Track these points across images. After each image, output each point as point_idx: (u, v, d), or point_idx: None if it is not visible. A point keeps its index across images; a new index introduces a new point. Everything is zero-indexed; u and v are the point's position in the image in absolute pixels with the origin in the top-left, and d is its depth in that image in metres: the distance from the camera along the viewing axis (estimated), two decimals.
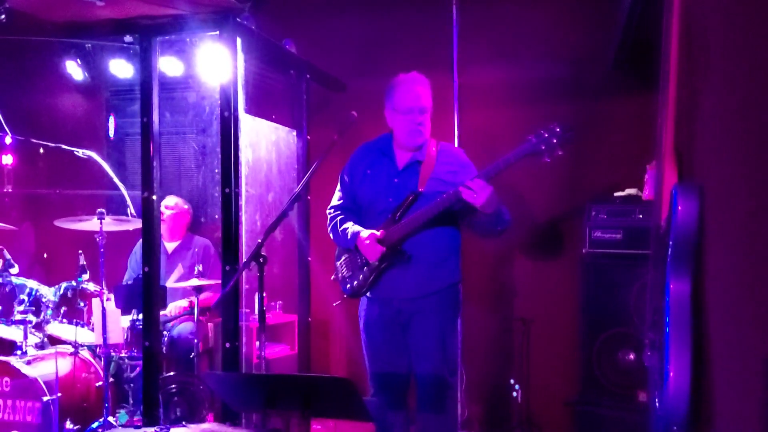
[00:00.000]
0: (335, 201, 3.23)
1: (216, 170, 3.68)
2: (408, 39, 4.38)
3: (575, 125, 2.75)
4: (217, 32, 3.55)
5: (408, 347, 3.05)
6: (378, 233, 2.99)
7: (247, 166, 3.61)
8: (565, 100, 4.11)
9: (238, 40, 3.53)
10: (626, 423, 3.25)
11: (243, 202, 3.54)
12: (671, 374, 1.57)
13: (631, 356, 3.36)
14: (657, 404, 1.75)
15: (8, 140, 4.43)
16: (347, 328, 4.25)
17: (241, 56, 3.53)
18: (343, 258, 3.13)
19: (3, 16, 3.45)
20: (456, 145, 3.87)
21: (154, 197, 3.67)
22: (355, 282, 3.06)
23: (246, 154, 3.61)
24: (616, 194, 3.64)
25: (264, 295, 2.61)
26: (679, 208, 1.69)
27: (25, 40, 4.10)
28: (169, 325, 4.17)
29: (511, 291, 4.31)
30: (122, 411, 3.82)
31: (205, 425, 1.30)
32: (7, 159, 4.48)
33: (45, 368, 3.54)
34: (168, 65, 4.19)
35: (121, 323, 3.86)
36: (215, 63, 3.65)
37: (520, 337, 4.05)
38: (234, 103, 3.49)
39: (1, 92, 4.21)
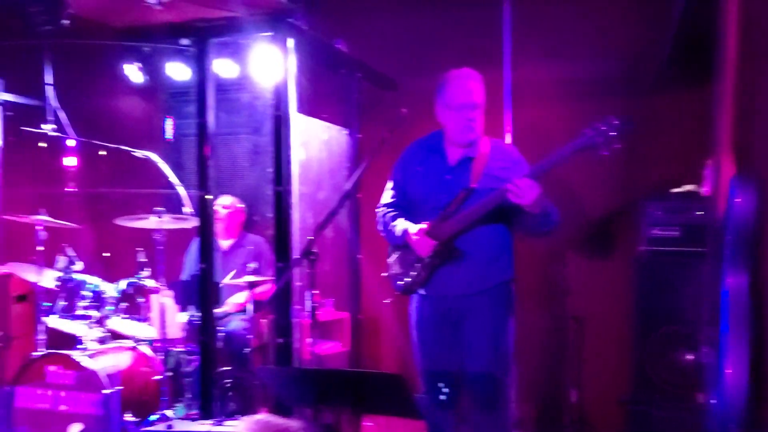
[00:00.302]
0: (386, 198, 3.24)
1: (269, 169, 3.74)
2: (459, 36, 4.37)
3: (632, 120, 2.70)
4: (270, 33, 3.61)
5: (460, 345, 3.03)
6: (424, 225, 2.98)
7: (299, 165, 3.66)
8: (619, 96, 4.03)
9: (291, 41, 3.58)
10: (680, 423, 3.18)
11: (296, 200, 3.59)
12: (729, 371, 1.52)
13: (686, 355, 3.28)
14: (714, 402, 1.70)
15: (72, 143, 4.60)
16: (398, 326, 4.26)
17: (293, 56, 3.58)
18: (395, 255, 3.14)
19: (67, 21, 3.58)
20: (509, 141, 3.85)
21: (210, 196, 3.76)
22: (407, 279, 3.06)
23: (298, 153, 3.66)
24: (674, 191, 3.56)
25: (316, 292, 2.64)
26: (738, 200, 1.64)
27: (87, 44, 4.25)
28: (225, 321, 4.26)
29: (564, 289, 4.26)
30: (180, 404, 3.92)
31: (258, 416, 1.33)
32: (72, 161, 4.64)
33: (106, 362, 3.66)
34: (223, 67, 4.27)
35: (179, 319, 3.97)
36: (268, 63, 3.71)
37: (573, 336, 4.00)
38: (286, 103, 3.55)
39: (65, 96, 4.37)
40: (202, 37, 3.80)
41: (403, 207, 3.17)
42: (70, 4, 3.66)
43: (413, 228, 3.01)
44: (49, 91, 4.33)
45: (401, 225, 3.07)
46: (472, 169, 3.01)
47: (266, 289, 4.22)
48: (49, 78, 4.33)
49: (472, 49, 4.21)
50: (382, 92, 4.55)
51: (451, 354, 3.05)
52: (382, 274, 3.22)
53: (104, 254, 4.56)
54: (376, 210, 3.26)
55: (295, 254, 3.59)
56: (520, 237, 3.11)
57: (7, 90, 4.53)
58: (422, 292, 3.08)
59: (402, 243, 3.07)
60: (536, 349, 4.18)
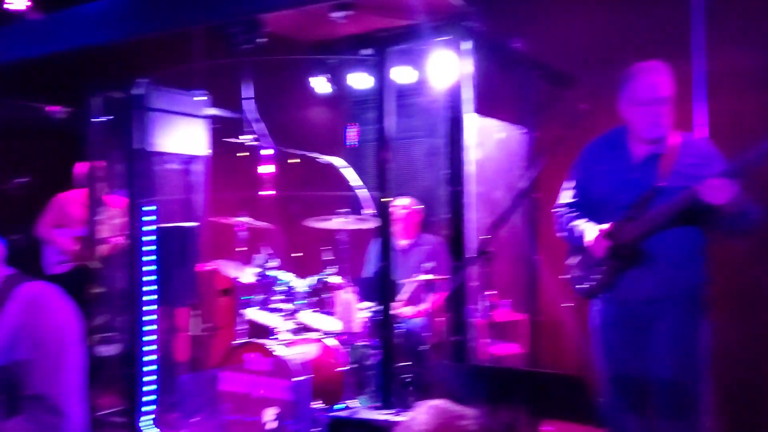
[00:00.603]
0: (565, 198, 3.17)
1: (445, 171, 3.81)
2: (643, 25, 4.16)
3: None
4: (447, 37, 3.68)
5: (646, 351, 2.89)
6: (605, 227, 2.89)
7: (475, 165, 3.69)
8: None
9: (467, 43, 3.63)
10: None
11: (472, 200, 3.62)
12: None
13: None
14: None
15: (268, 152, 5.01)
16: (580, 330, 4.15)
17: (469, 58, 3.63)
18: (576, 257, 3.07)
19: (264, 39, 3.92)
20: (704, 136, 3.60)
21: (389, 198, 3.91)
22: (590, 282, 2.98)
23: (475, 153, 3.69)
24: None
25: (493, 292, 2.66)
26: None
27: (280, 59, 4.61)
28: (405, 318, 4.40)
29: (763, 293, 3.90)
30: (363, 396, 4.10)
31: (433, 402, 1.39)
32: (268, 167, 5.05)
33: (297, 352, 3.93)
34: (401, 73, 4.42)
35: (361, 314, 4.17)
36: (445, 67, 3.79)
37: None
38: (463, 104, 3.60)
39: (264, 108, 4.76)
40: (383, 46, 3.96)
41: (583, 208, 3.09)
42: (266, 23, 4.01)
43: (591, 229, 2.92)
44: (249, 105, 4.74)
45: (581, 226, 3.00)
46: (660, 167, 2.87)
47: (441, 292, 4.28)
48: (247, 92, 4.74)
49: (659, 39, 3.99)
50: (559, 89, 4.46)
51: (637, 360, 2.92)
52: (562, 277, 3.16)
53: (296, 253, 4.88)
54: (554, 211, 3.20)
55: (471, 254, 3.63)
56: (714, 237, 2.90)
57: (213, 105, 5.04)
58: (606, 295, 2.98)
59: (580, 244, 2.99)
60: (733, 358, 3.85)
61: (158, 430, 4.27)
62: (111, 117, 4.65)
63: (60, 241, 5.11)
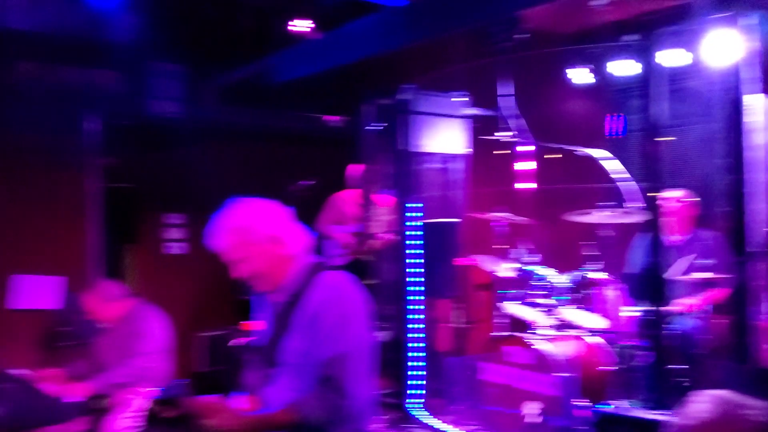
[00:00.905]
0: None
1: (724, 159, 3.48)
2: None
3: None
4: (725, 13, 3.38)
5: None
6: None
7: (763, 151, 3.32)
8: None
9: (751, 18, 3.30)
10: None
11: (758, 189, 3.27)
12: None
13: None
14: None
15: (527, 147, 5.01)
16: None
17: (754, 34, 3.29)
18: None
19: (526, 35, 3.96)
20: None
21: (659, 192, 3.68)
22: None
23: (762, 137, 3.32)
24: None
25: None
26: None
27: (538, 53, 4.58)
28: (678, 319, 4.10)
29: None
30: (631, 399, 3.88)
31: (716, 391, 1.29)
32: (527, 162, 5.04)
33: (561, 347, 3.86)
34: (672, 56, 4.14)
35: (624, 312, 3.97)
36: (722, 46, 3.48)
37: None
38: (745, 85, 3.28)
39: (522, 103, 4.77)
40: (649, 29, 3.76)
41: None
42: (525, 19, 4.04)
43: None
44: (506, 102, 4.78)
45: None
46: None
47: (719, 292, 3.92)
48: (505, 89, 4.79)
49: None
50: None
51: None
52: None
53: (556, 248, 4.81)
54: None
55: (756, 249, 3.27)
56: None
57: (472, 105, 5.17)
58: None
59: None
60: None
61: (427, 413, 4.49)
62: (383, 124, 4.98)
63: (338, 237, 5.61)
